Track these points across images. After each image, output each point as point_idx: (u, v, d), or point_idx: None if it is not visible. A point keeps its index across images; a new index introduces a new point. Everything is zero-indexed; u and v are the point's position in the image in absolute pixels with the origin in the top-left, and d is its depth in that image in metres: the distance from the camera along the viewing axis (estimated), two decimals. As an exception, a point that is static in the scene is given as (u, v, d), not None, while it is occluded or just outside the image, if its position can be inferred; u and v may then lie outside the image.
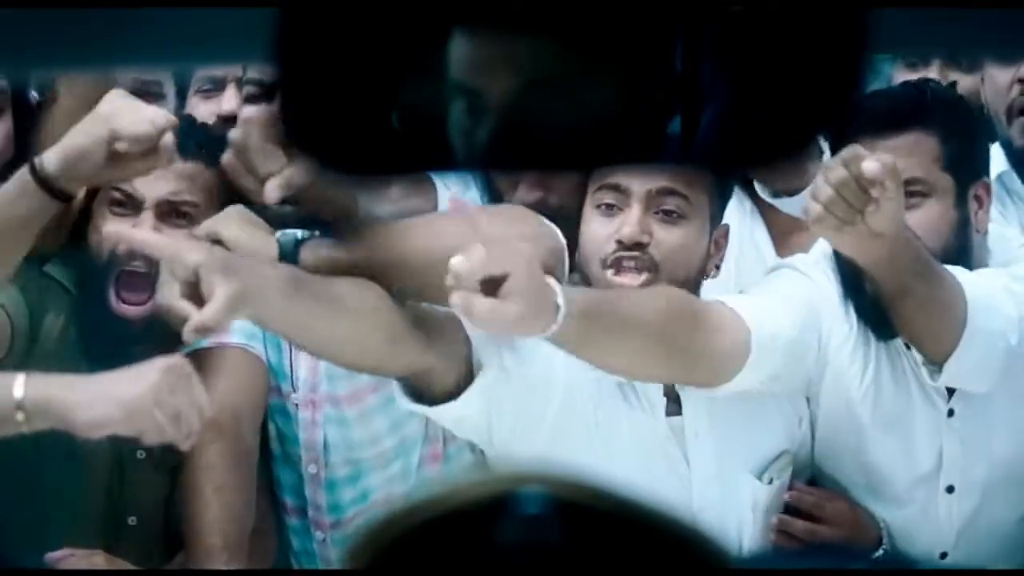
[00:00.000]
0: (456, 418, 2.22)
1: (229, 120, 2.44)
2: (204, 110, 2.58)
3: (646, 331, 2.14)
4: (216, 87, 2.60)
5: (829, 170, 2.06)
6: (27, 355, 2.33)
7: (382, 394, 2.39)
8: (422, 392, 2.18)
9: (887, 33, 1.06)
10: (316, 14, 0.85)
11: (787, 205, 2.47)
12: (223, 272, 1.89)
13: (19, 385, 2.00)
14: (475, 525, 1.01)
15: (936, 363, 2.28)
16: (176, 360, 2.11)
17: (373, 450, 2.45)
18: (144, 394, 2.02)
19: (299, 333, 2.10)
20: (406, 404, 2.22)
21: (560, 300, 2.01)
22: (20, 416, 2.00)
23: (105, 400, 2.02)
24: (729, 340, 2.20)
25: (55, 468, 2.35)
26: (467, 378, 2.18)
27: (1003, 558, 2.41)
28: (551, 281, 2.04)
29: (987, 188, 2.38)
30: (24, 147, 2.33)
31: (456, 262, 1.92)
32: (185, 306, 1.87)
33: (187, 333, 1.87)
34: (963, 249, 2.34)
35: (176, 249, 1.93)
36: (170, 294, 1.89)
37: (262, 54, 0.86)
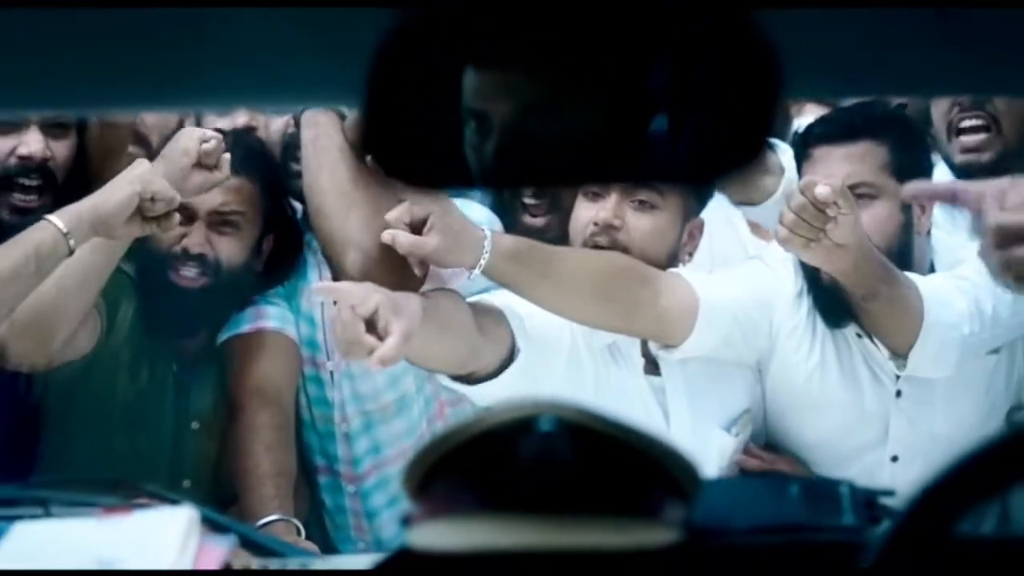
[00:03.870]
0: (491, 395, 2.50)
1: (27, 160, 2.57)
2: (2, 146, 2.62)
3: (585, 281, 2.45)
4: (15, 128, 2.60)
5: (790, 198, 2.36)
6: (104, 344, 2.63)
7: None
8: (465, 376, 2.49)
9: (825, 73, 1.35)
10: (394, 66, 1.15)
11: (749, 214, 2.78)
12: (395, 312, 2.19)
13: (57, 221, 2.34)
14: (502, 442, 1.32)
15: (901, 355, 2.55)
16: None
17: (376, 403, 2.77)
18: (152, 167, 2.45)
19: (419, 351, 2.37)
20: (447, 383, 2.54)
21: (487, 240, 2.39)
22: (71, 241, 2.33)
23: (122, 183, 2.39)
24: (676, 301, 2.52)
25: (124, 437, 2.64)
26: (506, 361, 2.49)
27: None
28: (479, 225, 2.44)
29: None
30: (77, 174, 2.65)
31: (390, 214, 2.39)
32: (370, 340, 2.17)
33: (374, 362, 2.17)
34: (906, 247, 2.61)
35: (359, 293, 2.22)
36: (356, 330, 2.17)
37: (350, 96, 1.17)
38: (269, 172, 2.74)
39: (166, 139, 2.65)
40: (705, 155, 1.12)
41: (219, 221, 2.63)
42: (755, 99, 1.09)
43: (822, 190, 2.31)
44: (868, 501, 1.48)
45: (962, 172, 2.88)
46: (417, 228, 2.39)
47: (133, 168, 2.44)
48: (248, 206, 2.65)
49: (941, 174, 2.87)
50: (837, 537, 1.39)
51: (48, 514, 1.59)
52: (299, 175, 2.66)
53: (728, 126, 1.13)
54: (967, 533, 1.24)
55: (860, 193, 2.52)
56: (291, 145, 2.74)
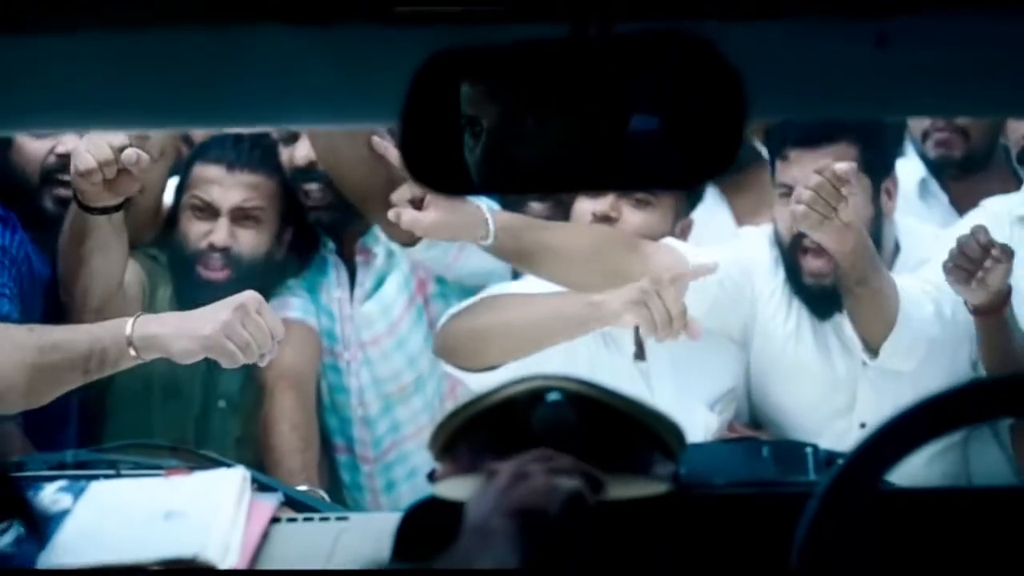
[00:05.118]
0: (489, 382, 2.77)
1: (65, 157, 2.70)
2: (36, 147, 2.79)
3: (577, 249, 2.71)
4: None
5: (809, 179, 2.62)
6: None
7: (396, 337, 2.97)
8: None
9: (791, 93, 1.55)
10: (425, 93, 1.36)
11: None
12: None
13: (128, 325, 2.44)
14: (516, 410, 1.56)
15: (873, 348, 2.79)
16: (246, 296, 2.50)
17: (396, 384, 3.00)
18: (216, 331, 2.44)
19: None
20: (450, 369, 2.81)
21: (487, 214, 2.69)
22: (132, 351, 2.43)
23: (188, 336, 2.45)
24: (666, 267, 2.74)
25: (160, 410, 2.87)
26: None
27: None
28: (478, 202, 2.72)
29: (894, 182, 2.90)
30: None
31: (394, 194, 2.68)
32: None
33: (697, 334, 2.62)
34: (877, 233, 2.84)
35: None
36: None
37: (390, 116, 1.39)
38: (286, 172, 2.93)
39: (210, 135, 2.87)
40: (680, 164, 1.33)
41: (241, 216, 2.84)
42: (724, 117, 1.31)
43: (842, 166, 2.61)
44: (828, 461, 1.72)
45: (936, 167, 3.18)
46: (418, 204, 2.67)
47: (209, 319, 2.48)
48: (268, 201, 2.85)
49: (915, 168, 3.14)
50: (802, 490, 1.61)
51: (119, 475, 1.82)
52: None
53: (701, 140, 1.32)
54: (895, 485, 1.47)
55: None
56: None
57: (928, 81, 1.47)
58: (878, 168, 2.85)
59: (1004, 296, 2.73)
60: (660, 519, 1.62)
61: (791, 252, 2.85)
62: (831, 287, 2.83)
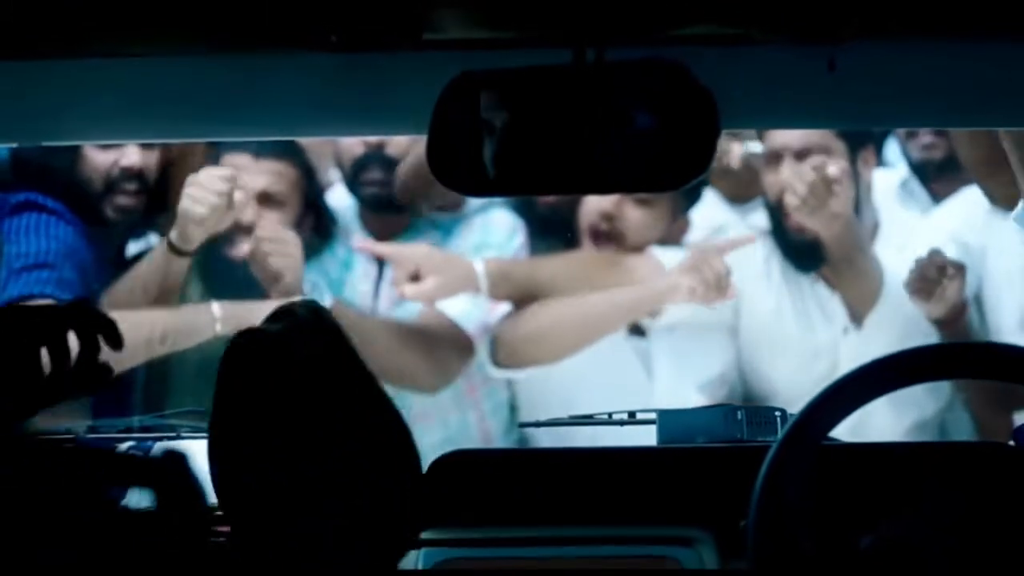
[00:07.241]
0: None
1: (128, 169, 3.01)
2: (102, 159, 3.01)
3: (565, 277, 3.00)
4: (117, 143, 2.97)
5: (800, 175, 2.94)
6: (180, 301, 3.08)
7: None
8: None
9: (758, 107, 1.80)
10: (448, 111, 1.60)
11: (740, 212, 3.26)
12: None
13: (216, 308, 2.88)
14: None
15: (857, 320, 3.07)
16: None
17: None
18: None
19: None
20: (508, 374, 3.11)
21: (478, 266, 3.01)
22: (218, 326, 2.85)
23: None
24: (651, 275, 3.05)
25: (209, 385, 3.09)
26: None
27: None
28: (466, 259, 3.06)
29: (872, 152, 3.14)
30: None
31: (395, 283, 3.06)
32: None
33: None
34: (854, 199, 3.09)
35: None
36: None
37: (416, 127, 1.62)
38: (306, 160, 3.18)
39: None
40: (662, 169, 1.57)
41: (267, 199, 3.08)
42: (699, 129, 1.54)
43: (833, 170, 2.93)
44: (795, 423, 1.96)
45: (919, 169, 3.35)
46: (415, 278, 3.03)
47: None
48: (290, 187, 3.10)
49: (898, 169, 3.34)
50: (767, 447, 1.85)
51: (179, 436, 2.07)
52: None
53: (679, 149, 1.53)
54: (838, 440, 1.70)
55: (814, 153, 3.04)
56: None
57: (873, 98, 1.73)
58: (855, 135, 3.08)
59: (961, 308, 2.99)
60: (647, 472, 1.85)
61: (779, 212, 3.10)
62: (813, 241, 3.09)
